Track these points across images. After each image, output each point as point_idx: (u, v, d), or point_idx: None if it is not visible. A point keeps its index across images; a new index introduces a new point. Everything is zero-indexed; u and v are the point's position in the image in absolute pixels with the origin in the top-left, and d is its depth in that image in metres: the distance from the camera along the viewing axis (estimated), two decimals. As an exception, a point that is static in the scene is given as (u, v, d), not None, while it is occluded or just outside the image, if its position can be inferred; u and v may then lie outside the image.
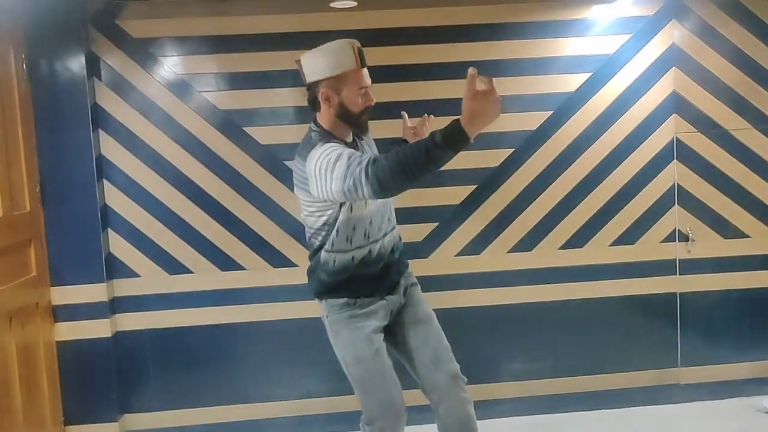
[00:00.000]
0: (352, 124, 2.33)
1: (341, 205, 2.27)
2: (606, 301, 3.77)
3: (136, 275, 3.56)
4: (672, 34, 3.68)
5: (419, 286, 2.58)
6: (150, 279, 3.57)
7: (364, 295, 2.38)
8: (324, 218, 2.31)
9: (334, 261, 2.35)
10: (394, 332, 2.48)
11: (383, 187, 1.97)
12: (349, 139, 2.37)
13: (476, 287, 3.71)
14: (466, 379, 2.46)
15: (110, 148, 3.51)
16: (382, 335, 2.42)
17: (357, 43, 2.27)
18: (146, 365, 3.60)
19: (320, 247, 2.37)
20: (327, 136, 2.28)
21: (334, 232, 2.31)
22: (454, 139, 1.88)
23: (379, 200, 2.32)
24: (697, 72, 3.71)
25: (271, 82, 3.55)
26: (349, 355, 2.38)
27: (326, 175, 2.09)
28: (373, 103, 2.30)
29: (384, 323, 2.43)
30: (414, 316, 2.47)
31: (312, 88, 2.31)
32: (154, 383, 3.62)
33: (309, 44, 3.48)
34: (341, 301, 2.39)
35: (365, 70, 2.27)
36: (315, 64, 2.27)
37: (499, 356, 3.75)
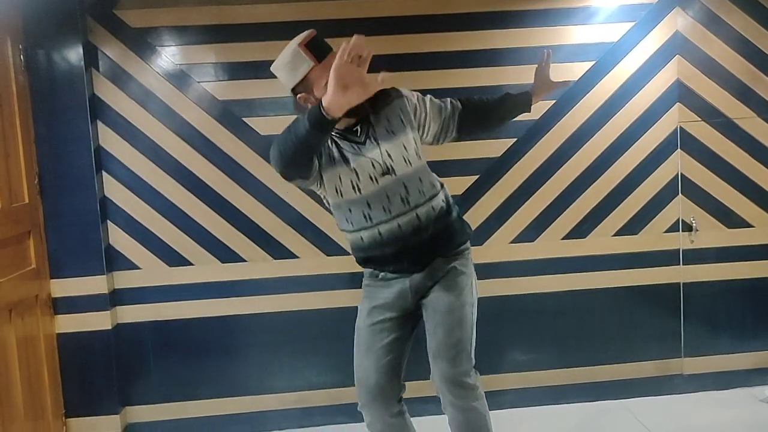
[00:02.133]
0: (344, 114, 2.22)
1: (325, 188, 2.28)
2: (609, 291, 3.74)
3: (136, 267, 3.54)
4: (676, 22, 3.64)
5: (463, 274, 2.37)
6: (150, 271, 3.55)
7: (389, 272, 2.35)
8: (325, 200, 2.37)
9: (349, 240, 2.39)
10: (421, 310, 2.39)
11: (273, 161, 2.10)
12: (344, 125, 2.24)
13: (479, 278, 3.67)
14: (468, 381, 2.32)
15: (109, 140, 3.48)
16: (394, 313, 2.35)
17: (308, 38, 2.15)
18: (147, 357, 3.59)
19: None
20: None
21: (335, 213, 2.36)
22: (312, 114, 1.91)
23: (383, 181, 2.22)
24: (701, 60, 3.67)
25: (270, 72, 3.50)
26: (357, 321, 2.45)
27: None
28: None
29: (402, 302, 2.35)
30: (434, 302, 2.33)
31: (294, 95, 2.27)
32: (155, 375, 3.60)
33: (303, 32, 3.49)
34: (367, 271, 2.44)
35: (328, 60, 2.07)
36: (281, 76, 2.24)
37: (502, 347, 3.74)
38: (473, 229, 3.63)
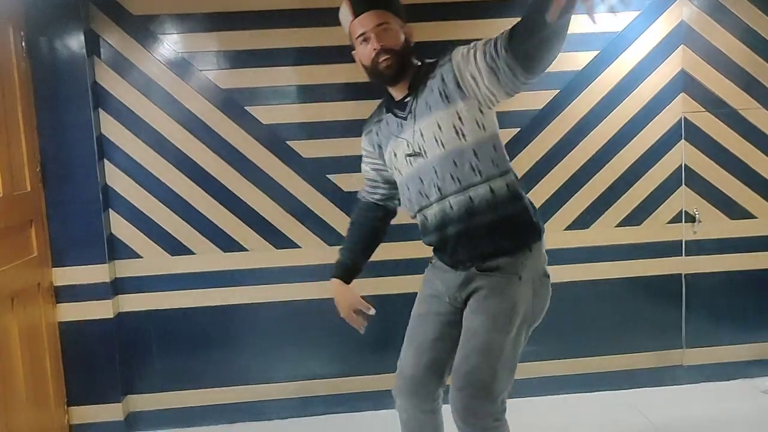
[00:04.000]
0: (378, 80, 2.10)
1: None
2: (611, 282, 3.74)
3: (137, 256, 3.54)
4: (681, 12, 3.62)
5: (504, 294, 2.02)
6: (152, 260, 3.54)
7: (441, 259, 2.18)
8: None
9: (420, 222, 2.22)
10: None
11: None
12: (400, 96, 2.12)
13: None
14: (481, 424, 2.01)
15: (111, 128, 3.47)
16: (441, 307, 2.17)
17: None
18: (149, 346, 3.59)
19: None
20: (381, 104, 2.27)
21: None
22: None
23: (416, 164, 2.08)
24: (705, 50, 3.65)
25: (273, 61, 3.49)
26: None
27: None
28: (380, 46, 2.01)
29: (455, 294, 2.12)
30: (465, 319, 2.09)
31: None
32: (156, 364, 3.61)
33: (311, 21, 3.48)
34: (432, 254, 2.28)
35: (365, 16, 2.03)
36: None
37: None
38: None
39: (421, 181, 2.09)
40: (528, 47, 1.86)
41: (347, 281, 2.29)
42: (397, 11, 2.09)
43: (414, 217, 2.22)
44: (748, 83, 3.68)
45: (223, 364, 3.64)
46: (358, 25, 2.04)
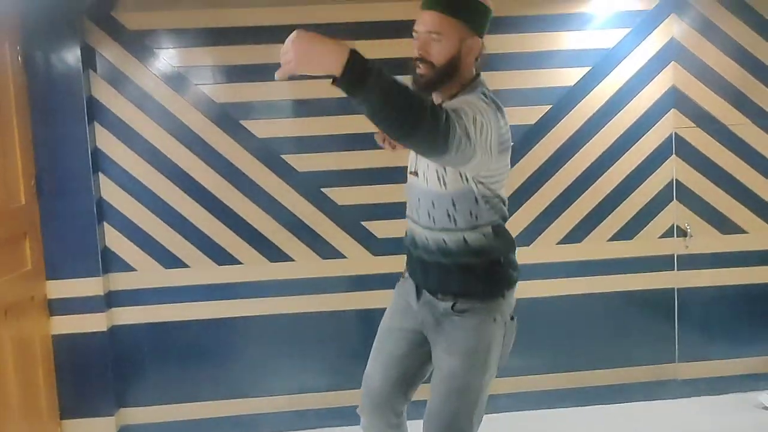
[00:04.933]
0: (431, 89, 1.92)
1: None
2: (604, 296, 3.76)
3: (132, 269, 3.54)
4: (671, 29, 3.66)
5: (477, 335, 1.96)
6: (146, 273, 3.55)
7: (408, 268, 2.12)
8: None
9: None
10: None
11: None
12: (438, 101, 1.92)
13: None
14: None
15: (106, 141, 3.49)
16: (407, 326, 2.11)
17: None
18: (142, 359, 3.59)
19: None
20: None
21: None
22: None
23: (411, 179, 2.02)
24: (696, 67, 3.69)
25: (268, 75, 3.46)
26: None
27: None
28: (416, 55, 1.87)
29: (413, 322, 2.09)
30: (437, 359, 2.02)
31: None
32: (150, 377, 3.60)
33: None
34: (405, 268, 2.18)
35: (425, 13, 1.86)
36: None
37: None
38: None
39: (410, 194, 2.06)
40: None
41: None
42: (468, 19, 1.87)
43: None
44: (738, 99, 3.72)
45: (217, 377, 3.64)
46: (418, 19, 1.88)
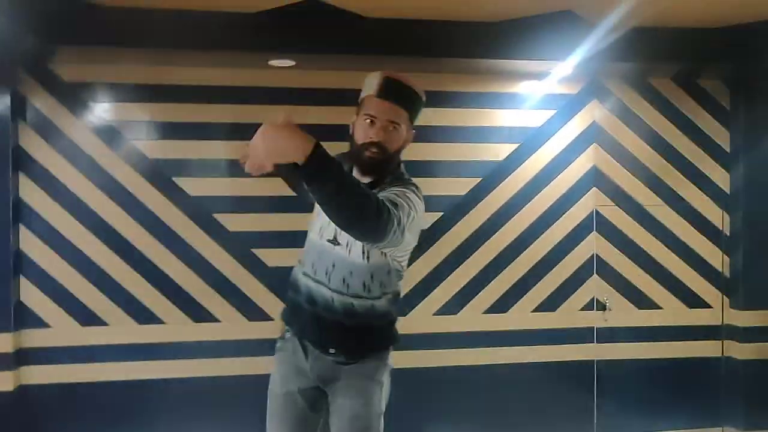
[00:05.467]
0: (354, 159, 2.03)
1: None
2: (527, 366, 3.82)
3: (46, 325, 3.39)
4: (593, 113, 3.90)
5: (369, 381, 2.10)
6: (61, 330, 3.40)
7: (293, 331, 2.16)
8: None
9: (294, 271, 2.20)
10: (327, 406, 2.18)
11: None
12: (365, 180, 2.01)
13: (401, 348, 3.68)
14: None
15: (30, 192, 3.38)
16: (301, 384, 2.15)
17: (394, 75, 2.03)
18: (52, 422, 3.39)
19: None
20: (342, 162, 1.99)
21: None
22: None
23: (322, 239, 2.07)
24: (615, 149, 3.92)
25: (204, 134, 3.53)
26: (270, 383, 2.23)
27: None
28: (377, 139, 1.97)
29: (311, 378, 2.14)
30: (339, 406, 2.12)
31: None
32: (56, 442, 3.40)
33: (245, 99, 3.56)
34: (283, 330, 2.22)
35: (386, 103, 1.98)
36: None
37: (422, 419, 3.73)
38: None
39: (319, 258, 2.10)
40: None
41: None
42: (414, 113, 2.06)
43: (300, 271, 2.16)
44: (653, 182, 3.95)
45: (130, 443, 3.47)
46: (375, 106, 1.99)
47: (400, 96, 2.01)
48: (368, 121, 1.99)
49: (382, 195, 1.85)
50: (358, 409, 2.08)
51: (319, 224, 2.09)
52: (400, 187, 2.00)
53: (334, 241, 2.06)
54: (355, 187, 1.67)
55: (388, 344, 2.17)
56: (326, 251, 2.08)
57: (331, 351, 2.10)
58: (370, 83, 2.03)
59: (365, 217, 1.68)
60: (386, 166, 2.03)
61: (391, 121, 1.98)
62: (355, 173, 2.07)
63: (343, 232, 1.99)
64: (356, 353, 2.11)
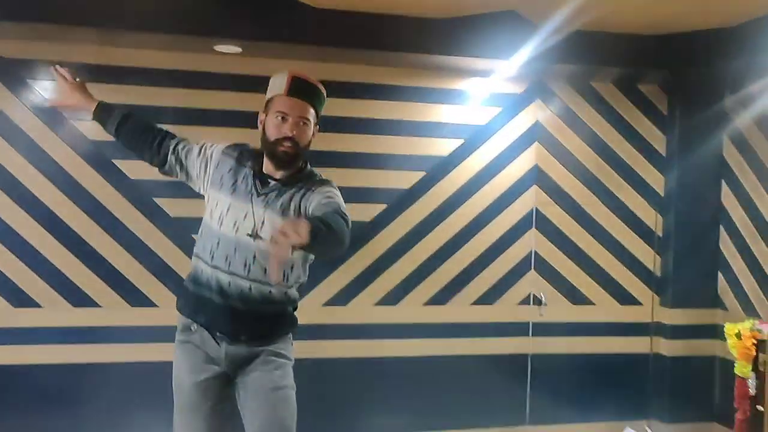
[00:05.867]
0: (268, 154, 2.16)
1: (206, 203, 2.24)
2: (464, 358, 3.91)
3: (-24, 306, 3.31)
4: (536, 113, 4.00)
5: (281, 358, 2.23)
6: (-8, 311, 3.33)
7: (199, 322, 2.21)
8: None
9: (192, 265, 2.27)
10: (237, 389, 2.25)
11: None
12: (278, 175, 2.18)
13: (341, 338, 3.74)
14: None
15: (-37, 170, 3.30)
16: (213, 371, 2.21)
17: (300, 74, 2.19)
18: (-22, 405, 3.32)
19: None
20: (243, 147, 2.25)
21: (201, 232, 2.25)
22: None
23: (239, 233, 2.15)
24: (556, 149, 4.03)
25: (148, 117, 3.48)
26: (174, 377, 2.29)
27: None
28: (291, 134, 2.11)
29: (221, 366, 2.21)
30: (257, 381, 2.20)
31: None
32: (-16, 425, 3.33)
33: (190, 83, 3.53)
34: (183, 321, 2.28)
35: (296, 101, 2.14)
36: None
37: (360, 409, 3.77)
38: (339, 289, 3.76)
39: (236, 251, 2.16)
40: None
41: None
42: (319, 109, 2.23)
43: (201, 264, 2.21)
44: (591, 182, 4.08)
45: (62, 427, 3.41)
46: (286, 103, 2.13)
47: (308, 94, 2.18)
48: (280, 118, 2.13)
49: (326, 203, 2.11)
50: (277, 381, 2.20)
51: (232, 219, 2.17)
52: (328, 187, 2.20)
53: (255, 236, 2.15)
54: (334, 231, 1.91)
55: (293, 327, 2.34)
56: (244, 245, 2.16)
57: (242, 338, 2.19)
58: (277, 83, 2.17)
59: (344, 243, 1.97)
60: (298, 160, 2.19)
61: (302, 117, 2.14)
62: (268, 168, 2.19)
63: (264, 226, 2.13)
64: (267, 338, 2.23)
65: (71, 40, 3.38)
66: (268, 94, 2.19)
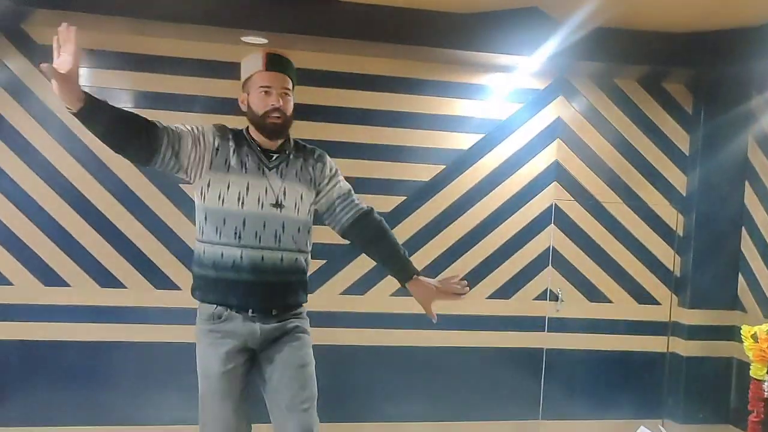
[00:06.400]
0: (259, 128, 2.26)
1: (206, 189, 2.25)
2: (479, 350, 3.95)
3: (8, 283, 3.45)
4: (559, 109, 4.01)
5: (307, 334, 2.37)
6: (23, 288, 3.46)
7: (233, 306, 2.25)
8: (196, 199, 2.29)
9: (205, 254, 2.27)
10: (261, 365, 2.32)
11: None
12: (272, 147, 2.28)
13: (357, 327, 3.82)
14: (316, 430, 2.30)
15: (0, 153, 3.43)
16: (242, 357, 2.29)
17: (273, 50, 2.34)
18: (8, 378, 3.46)
19: (198, 238, 2.32)
20: (230, 130, 2.29)
21: (203, 217, 2.27)
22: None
23: (267, 210, 2.24)
24: (578, 146, 4.04)
25: (175, 104, 3.59)
26: (201, 366, 2.33)
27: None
28: (278, 105, 2.22)
29: (249, 347, 2.29)
30: (286, 357, 2.30)
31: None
32: (15, 397, 3.47)
33: (218, 73, 3.62)
34: (209, 310, 2.30)
35: (275, 74, 2.26)
36: (241, 75, 2.35)
37: (372, 397, 3.85)
38: (357, 279, 3.83)
39: (264, 225, 2.25)
40: (352, 241, 2.47)
41: None
42: (295, 81, 2.34)
43: (218, 248, 2.23)
44: (612, 180, 4.08)
45: (87, 402, 3.55)
46: (266, 78, 2.25)
47: (285, 66, 2.31)
48: (263, 92, 2.24)
49: (341, 186, 2.39)
50: (304, 358, 2.32)
51: (255, 196, 2.25)
52: (329, 164, 2.39)
53: (279, 206, 2.26)
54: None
55: (306, 297, 2.44)
56: (272, 217, 2.26)
57: (274, 313, 2.28)
58: (253, 62, 2.28)
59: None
60: (287, 129, 2.30)
61: (284, 87, 2.27)
62: (262, 142, 2.28)
63: (287, 195, 2.27)
64: (294, 308, 2.36)
65: (105, 29, 3.48)
66: (245, 75, 2.30)
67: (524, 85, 3.96)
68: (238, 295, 2.25)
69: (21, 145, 3.45)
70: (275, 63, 2.28)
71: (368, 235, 2.42)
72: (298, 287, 2.36)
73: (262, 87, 2.25)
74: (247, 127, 2.32)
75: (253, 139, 2.29)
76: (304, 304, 2.41)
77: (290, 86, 2.30)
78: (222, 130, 2.30)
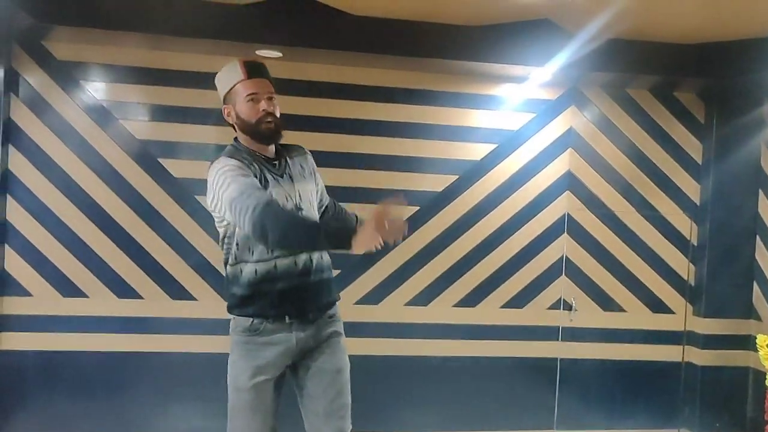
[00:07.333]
0: (254, 136, 2.26)
1: None
2: (493, 360, 3.95)
3: (28, 294, 3.50)
4: (571, 119, 4.02)
5: (342, 336, 2.38)
6: (42, 299, 3.51)
7: (270, 317, 2.25)
8: (222, 230, 2.27)
9: (242, 273, 2.26)
10: (298, 371, 2.34)
11: (261, 235, 2.04)
12: (271, 154, 2.30)
13: (372, 336, 3.83)
14: None
15: (18, 164, 3.49)
16: (274, 372, 2.29)
17: (248, 58, 2.35)
18: (27, 387, 3.51)
19: (226, 261, 2.31)
20: (238, 151, 2.26)
21: (234, 245, 2.26)
22: (338, 243, 2.05)
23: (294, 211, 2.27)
24: (590, 156, 4.05)
25: (191, 118, 3.64)
26: (231, 378, 2.31)
27: (219, 193, 2.15)
28: (270, 110, 2.23)
29: (283, 360, 2.29)
30: (322, 364, 2.32)
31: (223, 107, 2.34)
32: (33, 407, 3.51)
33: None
34: (246, 324, 2.28)
35: (257, 80, 2.26)
36: (218, 85, 2.34)
37: (390, 405, 3.86)
38: (371, 288, 3.86)
39: None
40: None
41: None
42: (274, 84, 2.34)
43: (252, 265, 2.24)
44: (625, 189, 4.08)
45: (104, 412, 3.58)
46: (251, 86, 2.24)
47: (264, 72, 2.31)
48: (251, 100, 2.24)
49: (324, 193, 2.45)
50: (340, 363, 2.35)
51: (279, 202, 2.20)
52: (311, 161, 2.40)
53: (299, 209, 2.29)
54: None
55: (339, 295, 2.45)
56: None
57: (311, 316, 2.29)
58: (232, 73, 2.27)
59: None
60: (281, 132, 2.28)
61: (269, 92, 2.27)
62: (262, 151, 2.27)
63: (302, 197, 2.30)
64: (329, 307, 2.36)
65: (121, 44, 3.55)
66: (226, 87, 2.28)
67: (536, 96, 3.98)
68: (274, 304, 2.25)
69: (40, 158, 3.51)
70: (255, 70, 2.30)
71: (334, 215, 2.52)
72: (330, 283, 2.38)
73: (248, 95, 2.24)
74: (237, 141, 2.30)
75: (253, 151, 2.27)
76: (338, 303, 2.42)
77: (273, 90, 2.30)
78: (233, 156, 2.24)
